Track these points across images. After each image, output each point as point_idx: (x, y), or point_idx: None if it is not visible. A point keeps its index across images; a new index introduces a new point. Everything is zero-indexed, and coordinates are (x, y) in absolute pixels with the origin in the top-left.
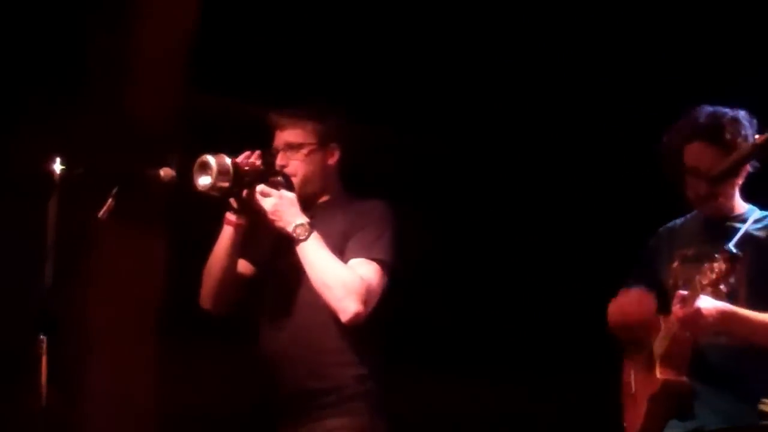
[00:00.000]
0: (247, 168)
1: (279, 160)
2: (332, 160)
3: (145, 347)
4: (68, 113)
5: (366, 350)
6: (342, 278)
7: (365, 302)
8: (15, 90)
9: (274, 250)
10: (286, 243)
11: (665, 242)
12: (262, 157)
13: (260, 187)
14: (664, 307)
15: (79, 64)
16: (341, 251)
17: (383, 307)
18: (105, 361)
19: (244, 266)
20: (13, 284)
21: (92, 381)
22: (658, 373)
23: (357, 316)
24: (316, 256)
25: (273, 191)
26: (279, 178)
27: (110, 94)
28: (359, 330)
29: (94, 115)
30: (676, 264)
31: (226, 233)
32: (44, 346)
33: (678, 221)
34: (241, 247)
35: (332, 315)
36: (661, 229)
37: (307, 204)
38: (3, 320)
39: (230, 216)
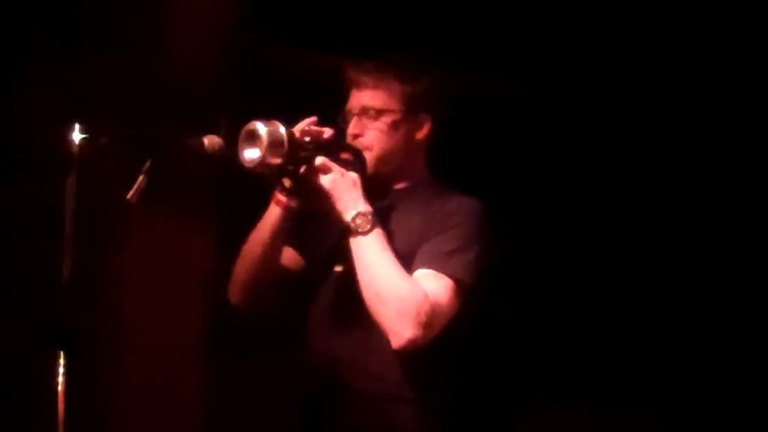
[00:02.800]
0: (307, 139)
1: (352, 128)
2: (421, 135)
3: (190, 359)
4: (87, 69)
5: (432, 381)
6: (400, 292)
7: (426, 327)
8: (19, 40)
9: (335, 242)
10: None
11: None
12: (329, 125)
13: (320, 160)
14: None
15: (99, 6)
16: (411, 256)
17: (460, 326)
18: (141, 378)
19: (291, 257)
20: (22, 285)
21: (127, 403)
22: None
23: (411, 343)
24: (373, 258)
25: (335, 167)
26: (347, 155)
27: (140, 43)
28: (424, 356)
29: (119, 71)
30: None
31: (273, 214)
32: (61, 362)
33: None
34: (289, 233)
35: None
36: None
37: (380, 188)
38: (9, 330)
39: (280, 195)
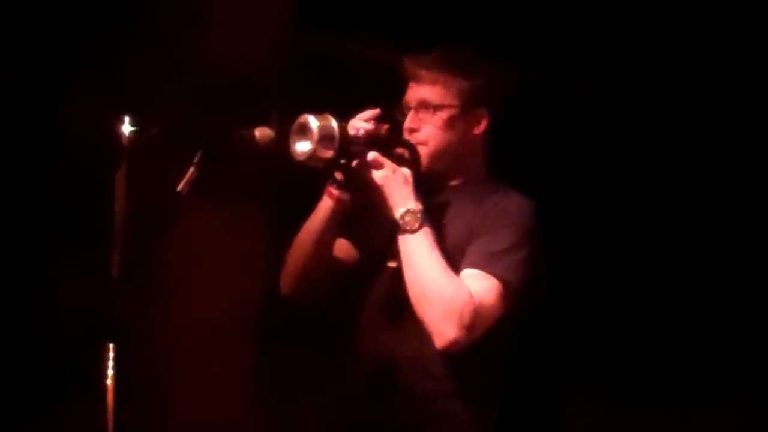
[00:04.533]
0: (361, 133)
1: (408, 122)
2: (477, 131)
3: (242, 354)
4: (137, 60)
5: (482, 375)
6: (446, 293)
7: (470, 329)
8: (70, 33)
9: (389, 237)
10: None
11: None
12: (384, 119)
13: (372, 155)
14: None
15: None
16: (461, 254)
17: (510, 324)
18: (192, 374)
19: (345, 249)
20: (72, 278)
21: (177, 398)
22: None
23: (454, 344)
24: (420, 257)
25: (387, 162)
26: (401, 150)
27: (191, 34)
28: (475, 353)
29: (169, 62)
30: None
31: (325, 206)
32: (111, 355)
33: None
34: (342, 225)
35: None
36: None
37: (434, 184)
38: (60, 323)
39: (332, 188)
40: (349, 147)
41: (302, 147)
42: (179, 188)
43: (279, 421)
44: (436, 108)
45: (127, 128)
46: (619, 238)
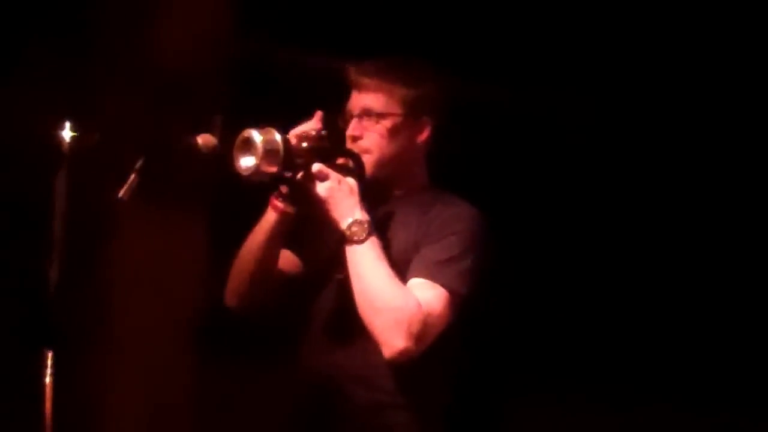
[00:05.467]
0: (304, 145)
1: (351, 130)
2: (421, 139)
3: (182, 363)
4: (78, 65)
5: (430, 387)
6: (393, 303)
7: (418, 338)
8: (13, 38)
9: (335, 248)
10: None
11: None
12: (327, 127)
13: (316, 167)
14: None
15: (94, 4)
16: (407, 264)
17: (457, 333)
18: (131, 380)
19: (289, 261)
20: (10, 283)
21: (116, 405)
22: None
23: (403, 353)
24: (368, 267)
25: (332, 173)
26: (345, 160)
27: (134, 40)
28: (423, 363)
29: (111, 67)
30: None
31: (269, 219)
32: (49, 361)
33: None
34: (287, 237)
35: None
36: None
37: (379, 193)
38: None
39: (277, 201)
40: (294, 160)
41: (246, 162)
42: (120, 194)
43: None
44: (380, 116)
45: (67, 134)
46: (581, 243)
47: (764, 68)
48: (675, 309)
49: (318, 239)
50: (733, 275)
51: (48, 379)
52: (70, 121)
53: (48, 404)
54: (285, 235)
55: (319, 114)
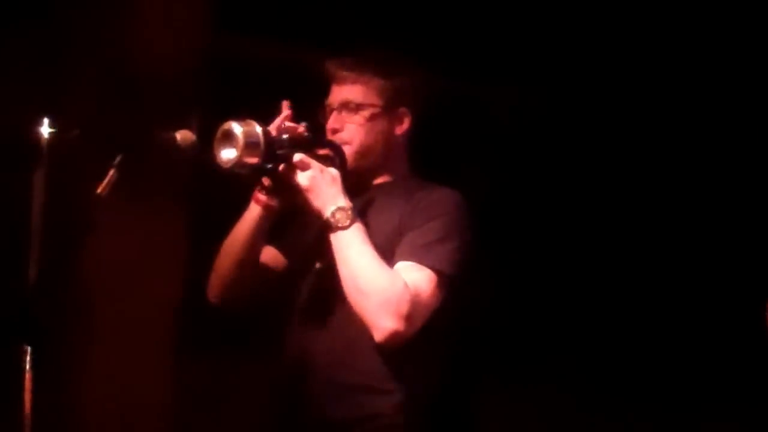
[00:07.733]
0: (285, 137)
1: (332, 122)
2: (400, 130)
3: (161, 358)
4: (57, 61)
5: (414, 372)
6: (381, 285)
7: (408, 319)
8: None
9: (315, 239)
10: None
11: None
12: (307, 120)
13: (298, 157)
14: None
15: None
16: (392, 250)
17: (442, 318)
18: (110, 375)
19: (271, 256)
20: None
21: (95, 397)
22: None
23: (393, 335)
24: (353, 252)
25: (314, 163)
26: (326, 151)
27: (112, 36)
28: (406, 348)
29: (89, 63)
30: None
31: (252, 213)
32: (28, 357)
33: None
34: (270, 231)
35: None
36: None
37: (360, 183)
38: None
39: (259, 194)
40: (274, 151)
41: (227, 155)
42: (99, 191)
43: (198, 425)
44: (359, 107)
45: (45, 130)
46: (564, 240)
47: (763, 68)
48: (665, 307)
49: (299, 233)
50: (727, 274)
51: (27, 375)
52: (49, 118)
53: (27, 400)
54: (268, 229)
55: (286, 103)
